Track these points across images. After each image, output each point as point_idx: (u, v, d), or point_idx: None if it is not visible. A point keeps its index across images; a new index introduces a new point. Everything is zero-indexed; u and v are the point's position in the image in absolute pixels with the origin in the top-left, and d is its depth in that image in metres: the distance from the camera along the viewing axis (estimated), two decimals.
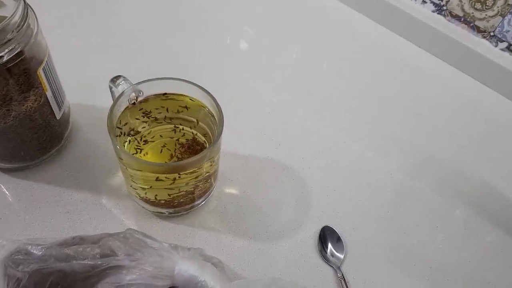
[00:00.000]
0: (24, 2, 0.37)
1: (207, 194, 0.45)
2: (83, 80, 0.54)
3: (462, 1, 0.61)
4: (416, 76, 0.64)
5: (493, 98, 0.63)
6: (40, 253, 0.37)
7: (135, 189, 0.43)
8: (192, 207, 0.45)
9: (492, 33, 0.61)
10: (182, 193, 0.42)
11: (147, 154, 0.43)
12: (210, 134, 0.43)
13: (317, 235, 0.45)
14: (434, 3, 0.64)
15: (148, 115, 0.43)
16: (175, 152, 0.43)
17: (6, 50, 0.36)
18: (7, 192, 0.45)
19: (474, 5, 0.60)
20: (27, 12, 0.37)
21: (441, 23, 0.64)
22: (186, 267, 0.35)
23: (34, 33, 0.38)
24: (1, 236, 0.42)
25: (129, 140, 0.43)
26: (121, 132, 0.41)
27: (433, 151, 0.55)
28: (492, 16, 0.60)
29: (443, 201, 0.51)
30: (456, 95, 0.62)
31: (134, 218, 0.45)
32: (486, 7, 0.59)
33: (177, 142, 0.44)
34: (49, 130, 0.44)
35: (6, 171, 0.46)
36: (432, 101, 0.61)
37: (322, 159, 0.52)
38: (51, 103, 0.43)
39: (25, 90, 0.39)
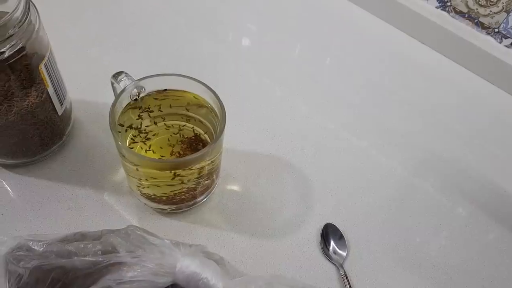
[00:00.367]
0: None
1: (208, 191, 0.45)
2: (85, 76, 0.54)
3: None
4: (419, 72, 0.64)
5: (497, 95, 0.62)
6: (41, 249, 0.37)
7: (137, 185, 0.43)
8: (194, 203, 0.45)
9: (496, 30, 0.60)
10: (183, 189, 0.42)
11: (148, 150, 0.43)
12: (212, 130, 0.43)
13: (320, 232, 0.45)
14: None
15: (149, 112, 0.43)
16: (177, 148, 0.43)
17: (8, 46, 0.36)
18: (9, 188, 0.45)
19: (479, 1, 0.59)
20: (28, 7, 0.37)
21: (445, 19, 0.63)
22: (187, 264, 0.35)
23: (36, 29, 0.38)
24: (2, 232, 0.42)
25: (131, 137, 0.42)
26: (122, 129, 0.41)
27: (436, 148, 0.55)
28: (496, 13, 0.59)
29: (446, 199, 0.50)
30: (460, 92, 0.62)
31: (135, 215, 0.45)
32: (491, 3, 0.59)
33: (178, 139, 0.43)
34: (50, 126, 0.44)
35: (8, 167, 0.46)
36: (435, 98, 0.61)
37: (325, 156, 0.52)
38: (52, 99, 0.42)
39: (26, 86, 0.39)
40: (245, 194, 0.47)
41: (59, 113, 0.44)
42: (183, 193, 0.42)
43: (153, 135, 0.43)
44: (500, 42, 0.61)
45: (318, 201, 0.48)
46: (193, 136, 0.44)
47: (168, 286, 0.35)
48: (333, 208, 0.47)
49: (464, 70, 0.64)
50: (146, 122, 0.43)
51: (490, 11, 0.59)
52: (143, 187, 0.43)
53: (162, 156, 0.42)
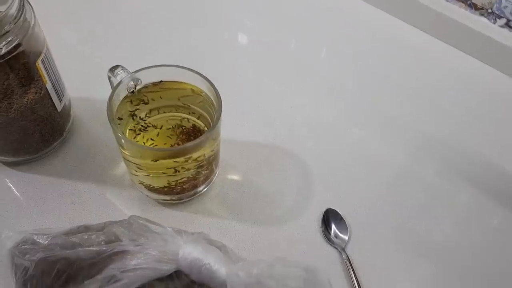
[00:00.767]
0: None
1: (209, 180, 0.46)
2: (81, 73, 0.54)
3: None
4: (414, 57, 0.64)
5: (493, 76, 0.62)
6: (46, 242, 0.38)
7: (138, 176, 0.43)
8: (195, 193, 0.46)
9: (490, 10, 0.60)
10: (184, 179, 0.42)
11: (147, 141, 0.43)
12: (210, 120, 0.44)
13: (321, 217, 0.45)
14: None
15: (147, 103, 0.43)
16: (175, 139, 0.43)
17: (4, 42, 0.36)
18: (12, 186, 0.46)
19: None
20: (23, 4, 0.37)
21: (438, 2, 0.63)
22: (190, 251, 0.36)
23: (32, 25, 0.38)
24: (7, 228, 0.43)
25: (130, 128, 0.43)
26: (121, 121, 0.41)
27: (434, 132, 0.55)
28: None
29: (445, 181, 0.50)
30: (457, 74, 0.62)
31: (137, 206, 0.45)
32: None
33: (177, 129, 0.44)
34: (51, 122, 0.45)
35: (11, 164, 0.47)
36: (432, 81, 0.61)
37: (324, 144, 0.52)
38: (51, 95, 0.43)
39: (25, 83, 0.40)
40: (245, 183, 0.48)
41: (59, 109, 0.45)
42: (183, 183, 0.43)
43: (152, 126, 0.44)
44: (494, 23, 0.61)
45: (318, 188, 0.48)
46: (191, 126, 0.44)
47: (171, 273, 0.36)
48: (333, 194, 0.48)
49: (459, 53, 0.64)
50: (143, 113, 0.44)
51: None
52: (144, 178, 0.43)
53: (161, 146, 0.43)
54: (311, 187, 0.48)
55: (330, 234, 0.44)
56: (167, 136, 0.44)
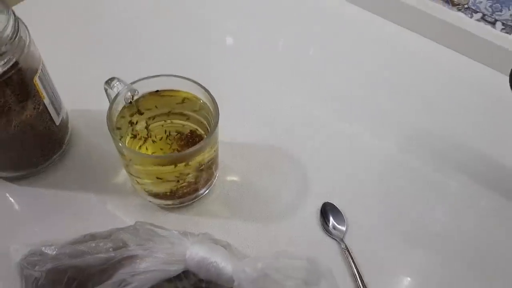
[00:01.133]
0: (14, 14, 0.38)
1: (209, 183, 0.47)
2: (77, 85, 0.55)
3: None
4: (399, 53, 0.66)
5: (474, 67, 0.65)
6: (54, 252, 0.38)
7: (140, 184, 0.45)
8: (196, 197, 0.47)
9: (466, 6, 0.63)
10: (185, 184, 0.44)
11: (147, 149, 0.44)
12: (207, 124, 0.45)
13: (319, 211, 0.47)
14: None
15: (142, 113, 0.45)
16: (175, 145, 0.45)
17: (2, 63, 0.37)
18: (13, 201, 0.47)
19: None
20: (18, 24, 0.38)
21: (420, 0, 0.66)
22: (197, 251, 0.37)
23: (27, 44, 0.39)
24: (14, 242, 0.43)
25: (130, 137, 0.44)
26: (121, 131, 0.43)
27: (421, 123, 0.57)
28: None
29: (436, 171, 0.53)
30: (440, 68, 0.64)
31: (141, 212, 0.46)
32: None
33: (176, 136, 0.45)
34: (50, 136, 0.46)
35: (12, 179, 0.47)
36: (416, 76, 0.63)
37: (317, 140, 0.54)
38: (49, 110, 0.44)
39: (23, 99, 0.41)
40: (244, 184, 0.49)
41: (57, 123, 0.46)
42: (185, 187, 0.44)
43: (150, 134, 0.45)
44: (471, 17, 0.64)
45: (314, 183, 0.50)
46: (189, 132, 0.46)
47: (179, 273, 0.37)
48: (330, 189, 0.49)
49: (441, 47, 0.67)
50: (142, 123, 0.45)
51: None
52: (146, 185, 0.44)
53: (161, 154, 0.44)
54: (308, 184, 0.50)
55: (328, 226, 0.46)
56: (166, 143, 0.45)
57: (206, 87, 0.42)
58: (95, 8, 0.67)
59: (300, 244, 0.45)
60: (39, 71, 0.41)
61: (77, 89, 0.54)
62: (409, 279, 0.45)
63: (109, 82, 0.44)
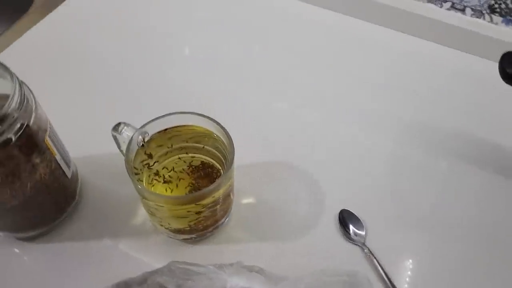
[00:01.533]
0: (18, 79, 0.38)
1: (228, 211, 0.48)
2: (78, 133, 0.54)
3: None
4: (378, 50, 0.68)
5: (450, 55, 0.68)
6: None
7: (161, 223, 0.45)
8: (217, 226, 0.48)
9: None
10: (204, 217, 0.44)
11: (166, 185, 0.45)
12: (217, 153, 0.46)
13: (337, 219, 0.49)
14: None
15: (157, 153, 0.45)
16: (190, 179, 0.46)
17: (15, 129, 0.37)
18: (33, 261, 0.46)
19: None
20: (23, 88, 0.38)
21: None
22: (236, 282, 0.38)
23: (34, 108, 0.39)
24: None
25: (146, 179, 0.45)
26: (138, 175, 0.43)
27: (413, 116, 0.60)
28: None
29: (434, 159, 0.55)
30: (418, 60, 0.67)
31: (165, 250, 0.47)
32: None
33: (190, 170, 0.46)
34: (64, 190, 0.46)
35: (29, 239, 0.47)
36: (397, 71, 0.66)
37: (321, 150, 0.56)
38: (61, 165, 0.44)
39: (36, 160, 0.40)
40: (260, 204, 0.50)
41: (69, 176, 0.46)
42: (205, 219, 0.45)
43: (166, 172, 0.45)
44: (441, 7, 0.67)
45: (326, 193, 0.51)
46: (200, 164, 0.47)
47: None
48: (342, 196, 0.51)
49: (416, 39, 0.69)
50: (156, 163, 0.45)
51: None
52: (168, 222, 0.45)
53: (179, 190, 0.45)
54: (320, 194, 0.51)
55: (349, 233, 0.48)
56: (182, 178, 0.46)
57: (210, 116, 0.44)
58: (79, 62, 0.66)
59: (325, 255, 0.47)
60: (48, 129, 0.41)
61: (79, 137, 0.53)
62: (436, 270, 0.47)
63: (116, 128, 0.44)
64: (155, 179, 0.45)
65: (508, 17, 0.64)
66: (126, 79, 0.63)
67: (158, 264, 0.43)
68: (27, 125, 0.38)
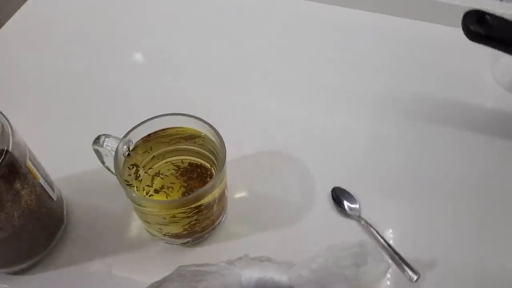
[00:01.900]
0: None
1: (224, 208, 0.48)
2: (53, 152, 0.52)
3: None
4: (342, 30, 0.70)
5: (402, 24, 0.71)
6: None
7: (158, 229, 0.44)
8: (214, 228, 0.47)
9: None
10: (205, 216, 0.44)
11: (159, 193, 0.44)
12: (208, 153, 0.45)
13: (330, 197, 0.50)
14: None
15: (143, 159, 0.44)
16: (182, 181, 0.45)
17: None
18: None
19: None
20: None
21: None
22: (250, 274, 0.38)
23: (10, 132, 0.37)
24: None
25: (137, 187, 0.43)
26: (129, 183, 0.42)
27: (380, 89, 0.62)
28: None
29: (410, 127, 0.58)
30: (384, 36, 0.69)
31: (168, 257, 0.46)
32: None
33: (180, 172, 0.45)
34: (51, 214, 0.44)
35: (18, 273, 0.44)
36: (366, 48, 0.67)
37: (305, 136, 0.56)
38: (46, 188, 0.42)
39: (20, 187, 0.38)
40: (253, 196, 0.51)
41: (55, 199, 0.44)
42: (204, 220, 0.44)
43: (156, 177, 0.44)
44: None
45: (315, 175, 0.52)
46: (188, 164, 0.46)
47: None
48: (331, 176, 0.52)
49: (375, 14, 0.72)
50: (144, 169, 0.44)
51: None
52: (165, 228, 0.44)
53: (173, 194, 0.44)
54: (310, 177, 0.52)
55: (344, 208, 0.49)
56: (173, 182, 0.45)
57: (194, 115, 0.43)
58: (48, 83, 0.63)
59: (326, 233, 0.48)
60: (28, 153, 0.39)
61: (57, 157, 0.51)
62: (434, 233, 0.49)
63: (96, 141, 0.43)
64: (147, 185, 0.44)
65: None
66: (99, 90, 0.61)
67: (164, 273, 0.42)
68: (7, 151, 0.36)
